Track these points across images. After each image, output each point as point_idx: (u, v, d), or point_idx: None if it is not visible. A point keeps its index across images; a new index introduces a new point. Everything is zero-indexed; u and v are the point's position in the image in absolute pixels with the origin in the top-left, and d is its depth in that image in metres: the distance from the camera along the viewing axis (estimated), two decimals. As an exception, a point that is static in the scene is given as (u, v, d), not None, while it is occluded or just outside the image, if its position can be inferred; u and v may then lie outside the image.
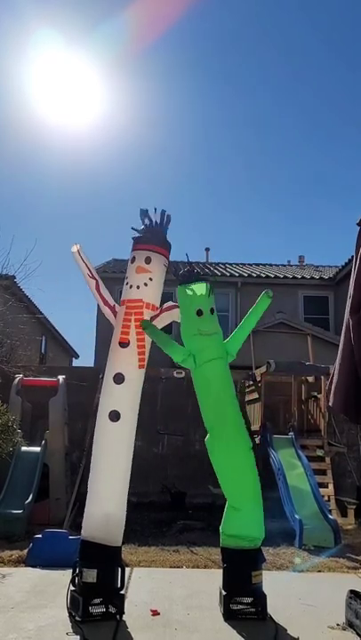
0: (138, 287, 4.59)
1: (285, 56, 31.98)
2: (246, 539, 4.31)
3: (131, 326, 4.51)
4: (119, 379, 4.41)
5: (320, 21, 29.40)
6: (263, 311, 4.72)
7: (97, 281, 4.73)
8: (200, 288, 4.55)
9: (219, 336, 4.61)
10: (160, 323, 4.66)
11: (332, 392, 3.82)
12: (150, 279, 4.60)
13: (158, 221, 4.73)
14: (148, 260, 4.63)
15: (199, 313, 4.49)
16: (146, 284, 4.58)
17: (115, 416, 4.34)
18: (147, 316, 4.56)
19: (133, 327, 4.50)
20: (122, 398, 4.42)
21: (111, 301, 4.75)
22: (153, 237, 4.70)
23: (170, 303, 4.75)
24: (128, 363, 4.48)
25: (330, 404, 3.89)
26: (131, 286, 4.63)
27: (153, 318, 4.60)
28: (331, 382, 3.89)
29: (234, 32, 29.08)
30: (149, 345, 4.63)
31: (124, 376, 4.42)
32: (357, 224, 3.54)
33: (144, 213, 4.72)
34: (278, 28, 28.63)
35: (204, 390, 4.52)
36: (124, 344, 4.49)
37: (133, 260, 4.70)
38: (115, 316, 4.69)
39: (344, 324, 3.67)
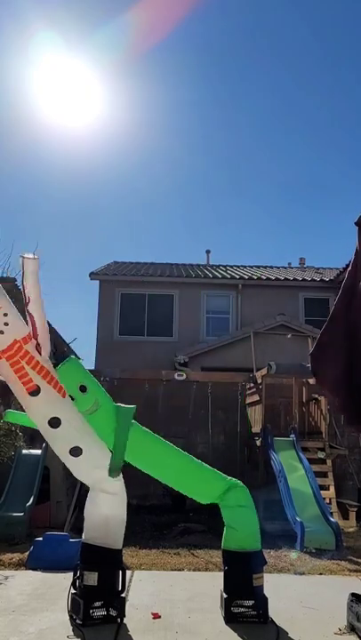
0: (2, 332, 3.91)
1: (285, 59, 32.07)
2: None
3: (28, 372, 3.98)
4: (56, 423, 4.07)
5: (319, 24, 29.50)
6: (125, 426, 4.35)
7: None
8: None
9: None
10: (45, 345, 4.10)
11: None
12: (5, 314, 3.92)
13: None
14: None
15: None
16: (7, 324, 3.91)
17: (77, 452, 4.12)
18: (31, 348, 4.01)
19: (30, 370, 3.98)
20: (71, 435, 4.13)
21: None
22: None
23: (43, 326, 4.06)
24: (52, 403, 4.09)
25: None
26: None
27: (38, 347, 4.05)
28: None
29: (233, 36, 29.19)
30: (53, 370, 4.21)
31: (59, 417, 4.08)
32: (355, 223, 3.53)
33: None
34: (277, 32, 28.73)
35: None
36: (34, 392, 4.02)
37: None
38: None
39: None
